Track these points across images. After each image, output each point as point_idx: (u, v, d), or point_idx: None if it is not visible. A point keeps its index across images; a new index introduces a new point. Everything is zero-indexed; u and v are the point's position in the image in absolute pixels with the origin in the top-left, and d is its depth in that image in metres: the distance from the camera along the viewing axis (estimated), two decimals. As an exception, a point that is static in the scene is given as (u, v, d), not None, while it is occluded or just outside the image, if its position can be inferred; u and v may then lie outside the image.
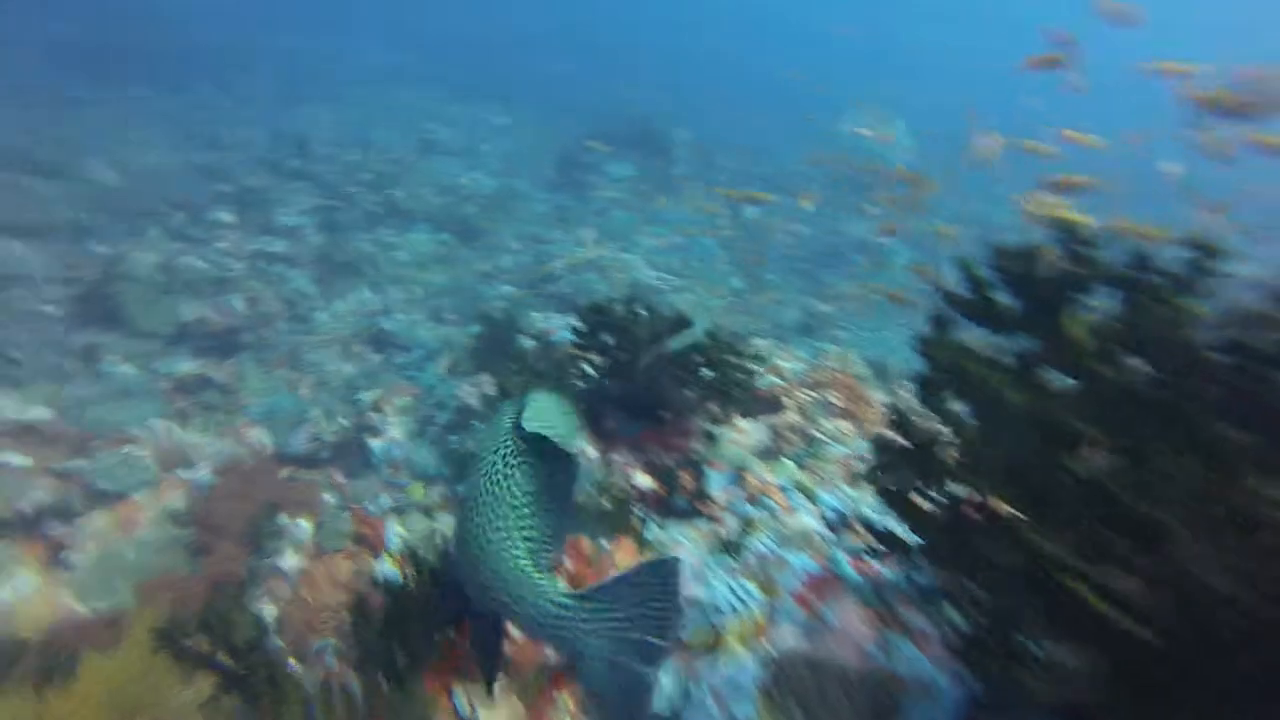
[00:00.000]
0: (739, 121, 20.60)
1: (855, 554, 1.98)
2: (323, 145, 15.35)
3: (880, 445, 1.81)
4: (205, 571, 4.32)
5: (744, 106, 23.07)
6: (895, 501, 1.74)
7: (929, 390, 1.67)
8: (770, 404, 4.33)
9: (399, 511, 4.82)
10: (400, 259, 11.59)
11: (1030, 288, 1.50)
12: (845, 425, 4.05)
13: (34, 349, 6.49)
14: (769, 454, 3.98)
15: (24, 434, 5.22)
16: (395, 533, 3.51)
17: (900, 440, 1.76)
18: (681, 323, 3.02)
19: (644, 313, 3.07)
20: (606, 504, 2.54)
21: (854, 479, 3.01)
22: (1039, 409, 1.38)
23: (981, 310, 1.61)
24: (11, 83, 15.54)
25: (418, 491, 5.37)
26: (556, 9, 35.40)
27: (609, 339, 3.17)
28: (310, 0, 27.77)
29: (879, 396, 4.83)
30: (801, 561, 1.89)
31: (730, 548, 1.95)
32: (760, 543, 2.02)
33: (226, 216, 10.98)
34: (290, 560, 4.36)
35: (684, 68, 27.13)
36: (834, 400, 4.21)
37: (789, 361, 5.64)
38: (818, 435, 3.93)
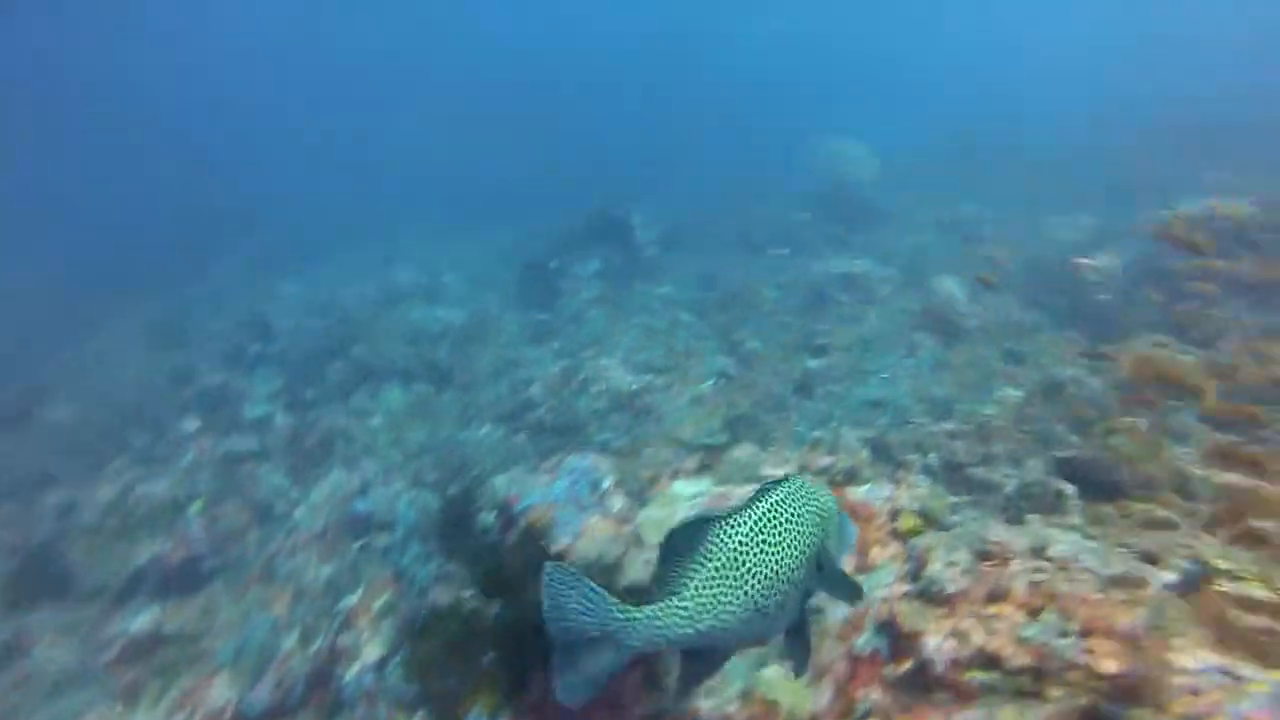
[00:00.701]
0: (689, 182, 20.46)
1: None
2: (288, 318, 15.26)
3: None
4: None
5: (687, 166, 23.05)
6: None
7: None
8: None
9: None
10: (375, 425, 11.11)
11: None
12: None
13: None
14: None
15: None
16: None
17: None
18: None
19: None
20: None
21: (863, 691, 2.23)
22: None
23: None
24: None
25: (394, 733, 4.58)
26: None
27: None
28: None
29: (882, 494, 4.04)
30: None
31: None
32: None
33: (192, 424, 10.61)
34: None
35: (605, 140, 27.54)
36: (825, 533, 3.46)
37: (777, 468, 4.89)
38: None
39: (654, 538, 4.02)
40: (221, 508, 8.03)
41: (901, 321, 11.96)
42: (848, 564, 3.24)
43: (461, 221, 22.01)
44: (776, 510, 2.15)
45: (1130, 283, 10.34)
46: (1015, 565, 2.99)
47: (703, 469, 4.96)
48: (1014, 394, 9.00)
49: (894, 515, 3.56)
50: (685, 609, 1.92)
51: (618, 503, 4.57)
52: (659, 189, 18.97)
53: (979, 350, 10.78)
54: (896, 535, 3.48)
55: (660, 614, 1.90)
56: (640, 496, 4.59)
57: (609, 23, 47.67)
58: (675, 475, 5.01)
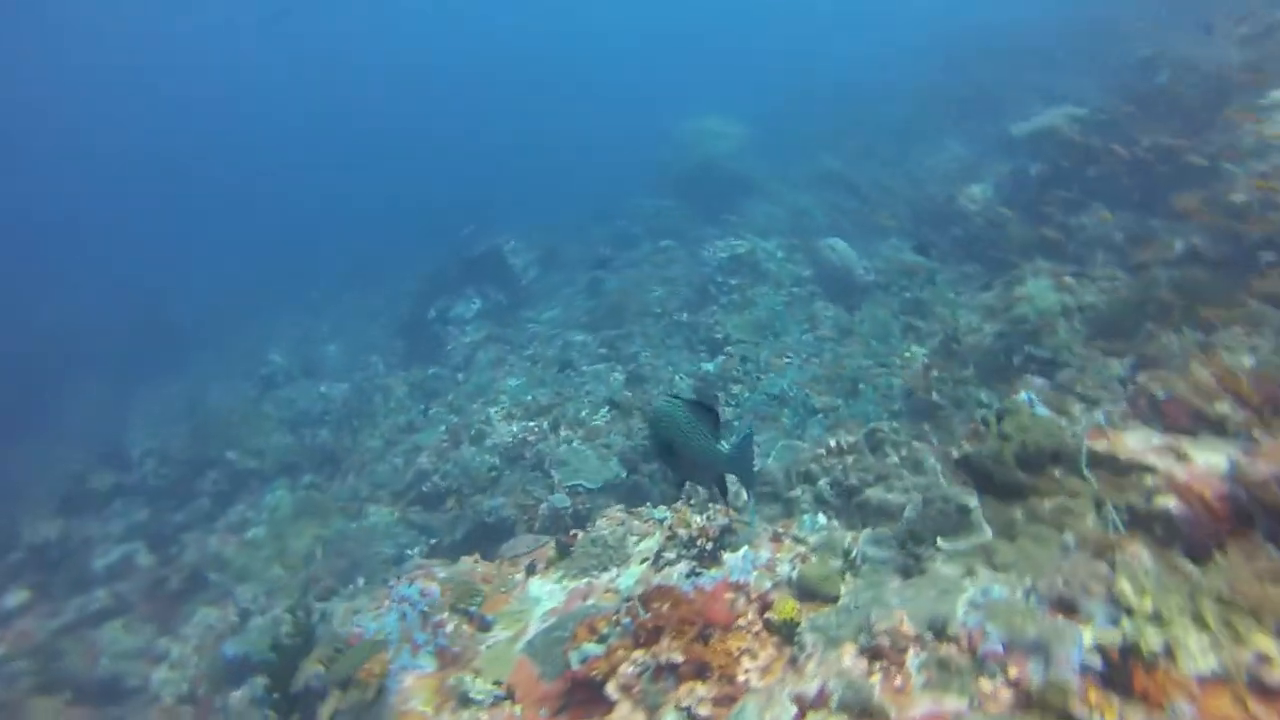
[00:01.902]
0: (555, 195, 19.56)
1: None
2: (148, 437, 13.59)
3: None
4: None
5: (549, 180, 22.14)
6: None
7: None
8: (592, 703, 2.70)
9: None
10: (256, 538, 9.82)
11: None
12: (699, 699, 2.43)
13: None
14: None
15: None
16: None
17: None
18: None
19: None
20: None
21: None
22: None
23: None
24: None
25: None
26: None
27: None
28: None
29: (759, 560, 3.24)
30: None
31: None
32: None
33: (17, 598, 9.01)
34: None
35: (461, 169, 26.33)
36: (673, 655, 2.59)
37: (644, 540, 4.05)
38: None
39: (487, 684, 3.12)
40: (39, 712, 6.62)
41: (796, 294, 11.37)
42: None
43: (335, 287, 20.48)
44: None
45: (1004, 205, 10.01)
46: (910, 664, 2.21)
47: (561, 556, 4.08)
48: (919, 351, 8.53)
49: (766, 603, 2.76)
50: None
51: (455, 632, 3.64)
52: (525, 209, 17.99)
53: (880, 309, 10.29)
54: (771, 629, 2.68)
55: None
56: (482, 620, 3.67)
57: (441, 50, 45.69)
58: (533, 570, 4.11)
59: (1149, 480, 2.72)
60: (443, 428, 10.21)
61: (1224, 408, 3.72)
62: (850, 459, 3.97)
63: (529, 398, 9.76)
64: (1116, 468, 2.84)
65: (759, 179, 15.68)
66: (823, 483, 3.92)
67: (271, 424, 12.70)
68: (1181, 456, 2.88)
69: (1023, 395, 3.48)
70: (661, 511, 4.20)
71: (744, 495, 3.79)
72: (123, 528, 10.53)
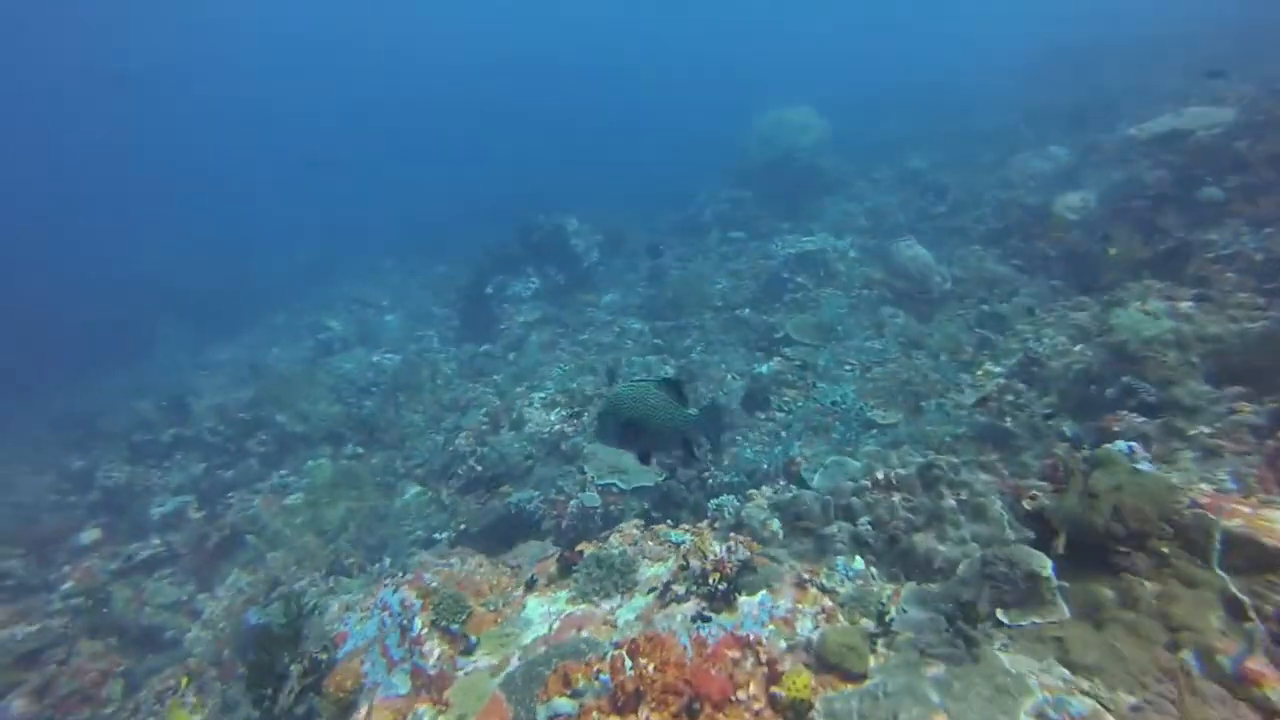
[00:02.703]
0: (626, 179, 19.13)
1: None
2: (211, 394, 14.07)
3: None
4: None
5: (622, 163, 21.71)
6: None
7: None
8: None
9: None
10: (294, 504, 9.88)
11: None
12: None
13: None
14: None
15: None
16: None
17: None
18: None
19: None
20: None
21: None
22: None
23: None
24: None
25: None
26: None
27: None
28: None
29: (776, 611, 2.73)
30: None
31: None
32: None
33: (89, 536, 9.42)
34: None
35: (534, 150, 26.29)
36: (655, 730, 2.14)
37: (655, 565, 3.60)
38: None
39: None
40: (74, 660, 6.75)
41: (866, 297, 10.59)
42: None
43: (404, 254, 20.79)
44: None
45: (1111, 215, 8.96)
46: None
47: (563, 574, 3.68)
48: (995, 370, 7.69)
49: (775, 673, 2.27)
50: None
51: (433, 652, 3.30)
52: (596, 191, 17.66)
53: (954, 321, 9.43)
54: (777, 708, 2.19)
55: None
56: (465, 642, 3.31)
57: (524, 34, 45.78)
58: (532, 585, 3.73)
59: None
60: (483, 410, 10.01)
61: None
62: (898, 496, 3.39)
63: (574, 385, 9.43)
64: (1258, 558, 2.18)
65: (840, 175, 14.81)
66: (864, 521, 3.36)
67: (321, 390, 12.88)
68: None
69: (1121, 445, 2.83)
70: (680, 534, 3.74)
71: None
72: (179, 480, 10.85)
